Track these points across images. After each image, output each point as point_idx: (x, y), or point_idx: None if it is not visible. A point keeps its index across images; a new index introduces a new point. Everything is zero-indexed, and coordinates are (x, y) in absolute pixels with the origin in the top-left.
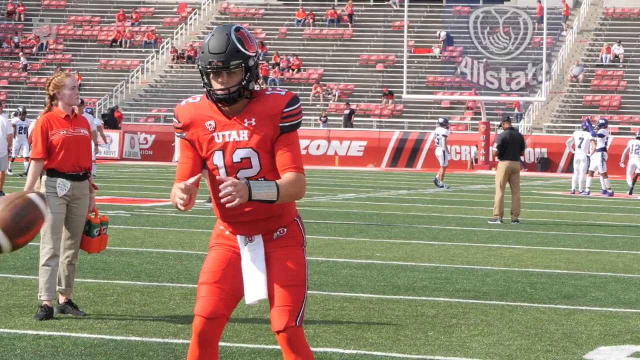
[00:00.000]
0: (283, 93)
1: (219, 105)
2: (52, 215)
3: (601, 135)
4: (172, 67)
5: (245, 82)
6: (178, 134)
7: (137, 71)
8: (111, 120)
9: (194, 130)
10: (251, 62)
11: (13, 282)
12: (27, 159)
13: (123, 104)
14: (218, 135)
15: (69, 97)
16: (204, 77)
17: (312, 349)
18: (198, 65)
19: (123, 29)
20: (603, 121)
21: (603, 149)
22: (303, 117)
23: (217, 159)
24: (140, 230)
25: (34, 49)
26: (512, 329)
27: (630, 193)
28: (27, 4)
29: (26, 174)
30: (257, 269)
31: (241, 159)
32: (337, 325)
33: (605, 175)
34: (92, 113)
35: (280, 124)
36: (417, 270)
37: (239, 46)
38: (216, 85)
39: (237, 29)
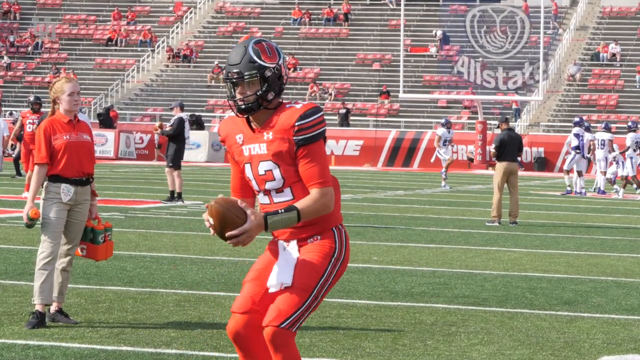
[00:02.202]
0: (299, 106)
1: (241, 116)
2: (53, 220)
3: (576, 135)
4: (167, 66)
5: (261, 92)
6: (223, 147)
7: (133, 70)
8: (107, 120)
9: (229, 144)
10: (268, 73)
11: (3, 288)
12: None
13: (119, 103)
14: (245, 149)
15: (67, 102)
16: (228, 89)
17: (308, 359)
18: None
19: (119, 28)
20: (578, 119)
21: (577, 148)
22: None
23: (248, 171)
24: (134, 233)
25: (30, 48)
26: (513, 337)
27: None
28: (22, 3)
29: (19, 174)
30: (288, 261)
31: (265, 171)
32: (334, 334)
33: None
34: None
35: (294, 138)
36: (415, 275)
37: (254, 57)
38: (237, 96)
39: (257, 42)
